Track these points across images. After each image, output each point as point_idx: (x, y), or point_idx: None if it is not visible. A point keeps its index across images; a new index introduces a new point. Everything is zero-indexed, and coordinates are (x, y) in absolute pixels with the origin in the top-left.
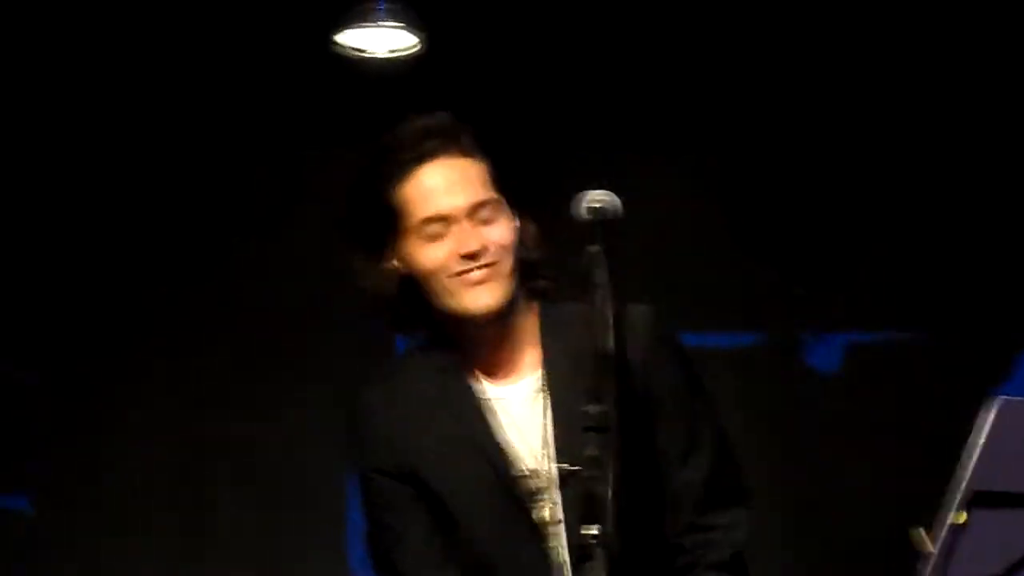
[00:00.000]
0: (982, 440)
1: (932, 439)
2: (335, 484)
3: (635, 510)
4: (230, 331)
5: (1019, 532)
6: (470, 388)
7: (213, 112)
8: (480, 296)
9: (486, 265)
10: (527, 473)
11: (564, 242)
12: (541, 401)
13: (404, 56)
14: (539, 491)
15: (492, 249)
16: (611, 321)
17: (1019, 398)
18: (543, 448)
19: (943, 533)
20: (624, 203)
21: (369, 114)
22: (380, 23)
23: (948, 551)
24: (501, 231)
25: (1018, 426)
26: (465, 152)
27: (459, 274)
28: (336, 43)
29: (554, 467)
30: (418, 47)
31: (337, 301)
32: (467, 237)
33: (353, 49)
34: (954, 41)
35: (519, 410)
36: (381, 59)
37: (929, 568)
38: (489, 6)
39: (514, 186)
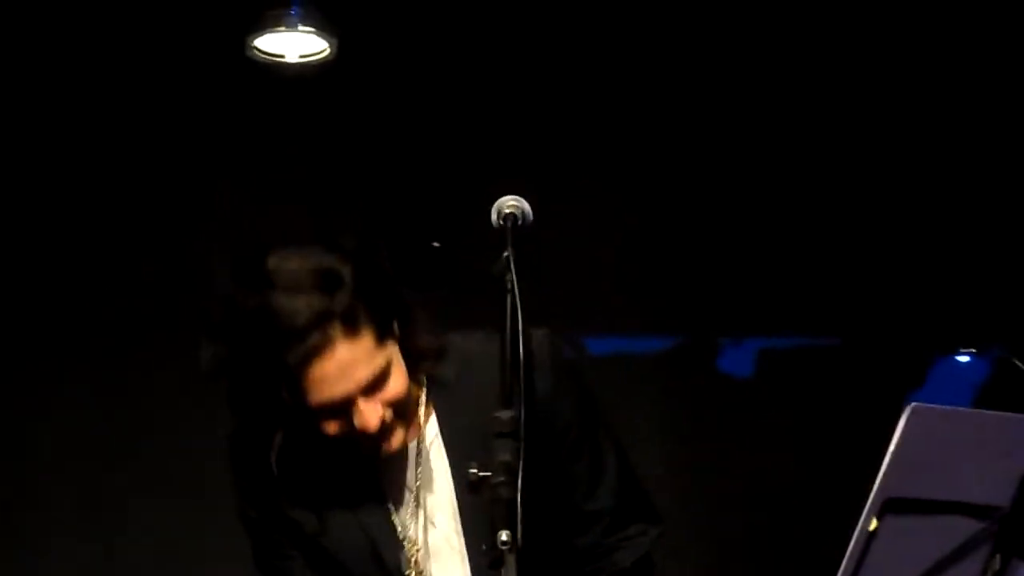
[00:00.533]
0: (892, 447)
1: (845, 445)
2: None
3: (543, 521)
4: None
5: (929, 539)
6: (353, 450)
7: (125, 115)
8: (388, 447)
9: (390, 424)
10: (403, 541)
11: (481, 247)
12: (422, 462)
13: (316, 61)
14: (412, 560)
15: (391, 407)
16: (520, 326)
17: (929, 404)
18: (415, 512)
19: (855, 539)
20: (542, 210)
21: (282, 117)
22: (293, 28)
23: (860, 558)
24: (396, 384)
25: (929, 432)
26: (348, 330)
27: (363, 440)
28: (250, 47)
29: (430, 534)
30: (328, 52)
31: None
32: (366, 417)
33: (266, 54)
34: (857, 46)
35: (399, 475)
36: (293, 64)
37: (840, 575)
38: (404, 11)
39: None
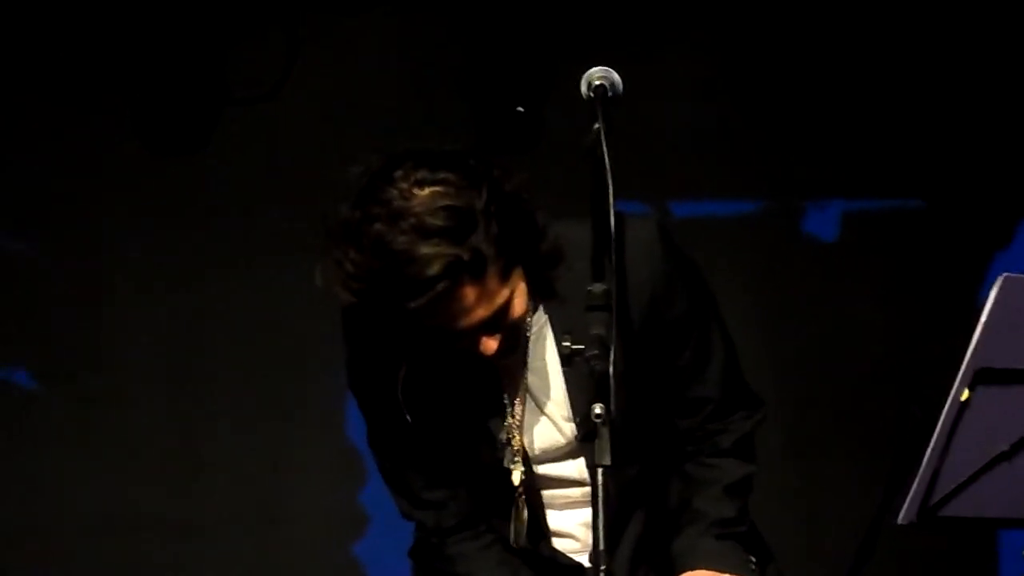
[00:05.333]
0: (985, 317)
1: (930, 307)
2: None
3: (645, 401)
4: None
5: (1022, 409)
6: (471, 356)
7: None
8: (507, 358)
9: (508, 340)
10: (506, 431)
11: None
12: (532, 351)
13: None
14: (516, 447)
15: (509, 331)
16: (612, 199)
17: (1022, 275)
18: (525, 400)
19: (947, 409)
20: (626, 76)
21: None
22: None
23: (952, 428)
24: (517, 310)
25: (1021, 302)
26: (474, 276)
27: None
28: None
29: (541, 422)
30: None
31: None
32: (485, 345)
33: None
34: None
35: (514, 367)
36: None
37: (932, 444)
38: None
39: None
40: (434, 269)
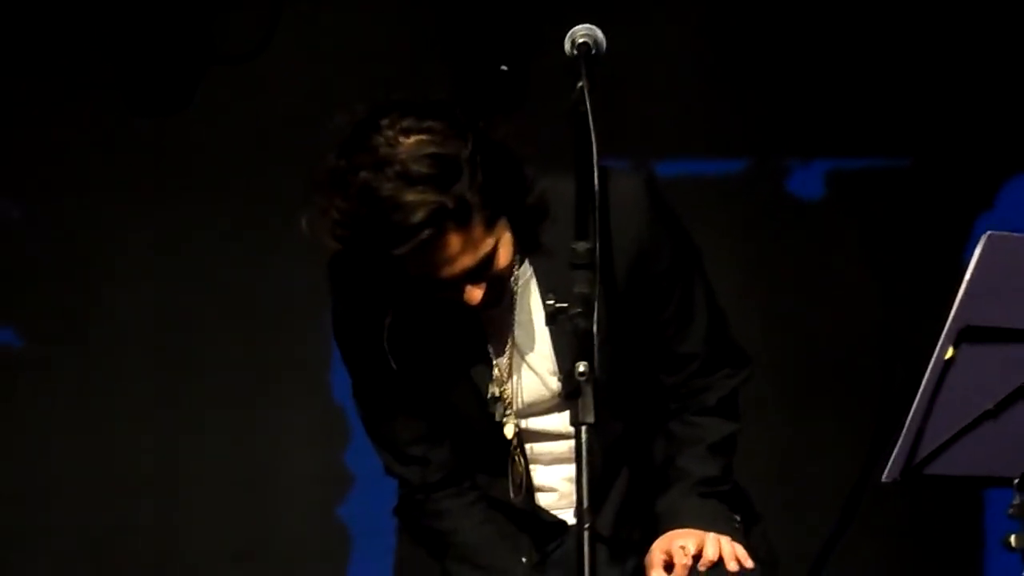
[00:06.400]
0: (968, 275)
1: (914, 265)
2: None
3: (630, 357)
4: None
5: (1006, 368)
6: (456, 306)
7: None
8: (492, 307)
9: (493, 290)
10: (496, 382)
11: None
12: (518, 304)
13: None
14: (506, 401)
15: (494, 281)
16: (596, 156)
17: (1006, 233)
18: (512, 354)
19: (932, 367)
20: (611, 34)
21: None
22: None
23: (936, 386)
24: (502, 260)
25: (1006, 261)
26: (459, 224)
27: (467, 302)
28: None
29: (525, 375)
30: None
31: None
32: (470, 294)
33: None
34: None
35: (500, 320)
36: None
37: (917, 403)
38: None
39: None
40: (419, 216)
